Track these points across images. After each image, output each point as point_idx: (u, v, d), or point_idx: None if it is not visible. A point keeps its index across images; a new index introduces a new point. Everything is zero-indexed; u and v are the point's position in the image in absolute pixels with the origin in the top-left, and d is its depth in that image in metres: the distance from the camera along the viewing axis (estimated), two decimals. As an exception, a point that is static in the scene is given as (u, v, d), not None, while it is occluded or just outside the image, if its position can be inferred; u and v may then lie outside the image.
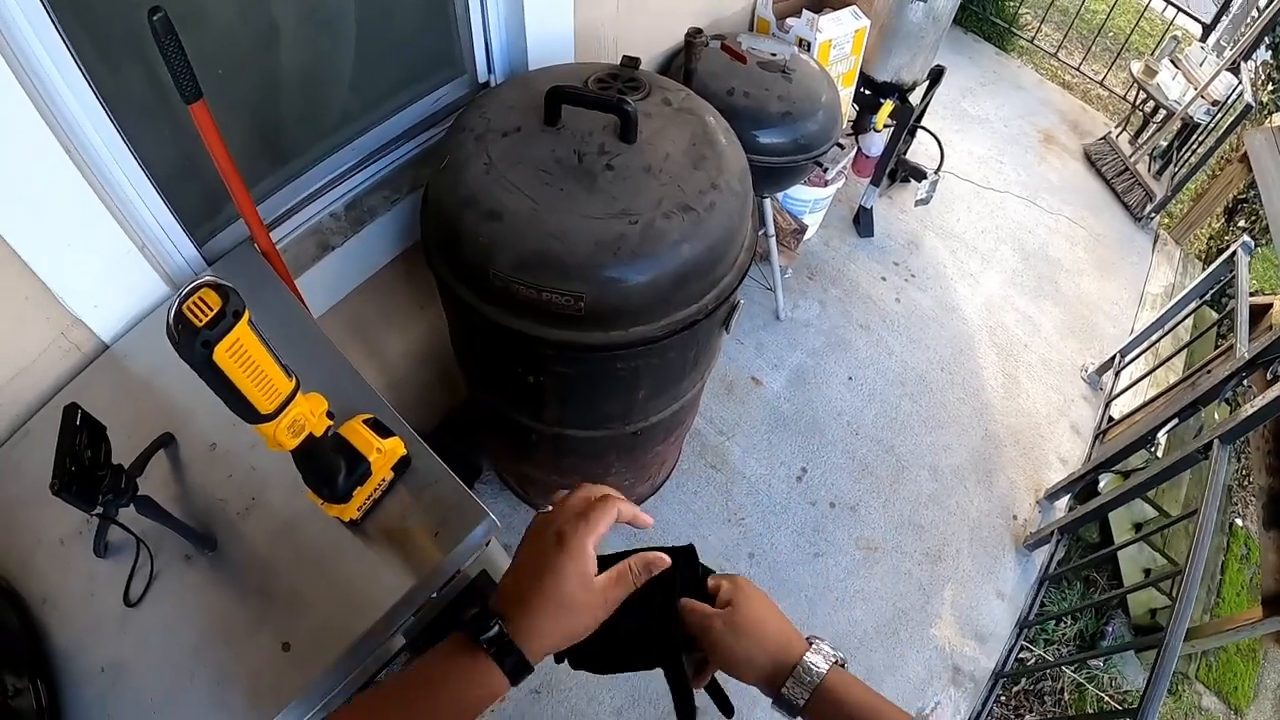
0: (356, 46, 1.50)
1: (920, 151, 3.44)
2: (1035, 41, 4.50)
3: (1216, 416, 2.78)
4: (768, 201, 2.43)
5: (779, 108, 1.95)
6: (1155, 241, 3.64)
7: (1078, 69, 4.38)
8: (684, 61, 1.81)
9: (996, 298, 3.18)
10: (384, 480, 1.02)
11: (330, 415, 0.88)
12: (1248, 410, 1.80)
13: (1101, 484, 2.62)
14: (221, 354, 0.68)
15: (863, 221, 3.21)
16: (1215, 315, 3.10)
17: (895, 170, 3.30)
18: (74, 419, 0.93)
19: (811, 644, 0.70)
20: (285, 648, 0.97)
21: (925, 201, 3.12)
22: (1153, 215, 3.65)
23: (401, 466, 1.04)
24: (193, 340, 0.66)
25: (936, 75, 2.78)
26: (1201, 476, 2.59)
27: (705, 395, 2.61)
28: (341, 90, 1.54)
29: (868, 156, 3.00)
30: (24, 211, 1.05)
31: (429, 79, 1.68)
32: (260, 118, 1.44)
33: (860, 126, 2.80)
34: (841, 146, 2.26)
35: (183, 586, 1.04)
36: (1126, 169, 3.79)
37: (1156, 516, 2.56)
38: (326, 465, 0.93)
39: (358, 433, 1.00)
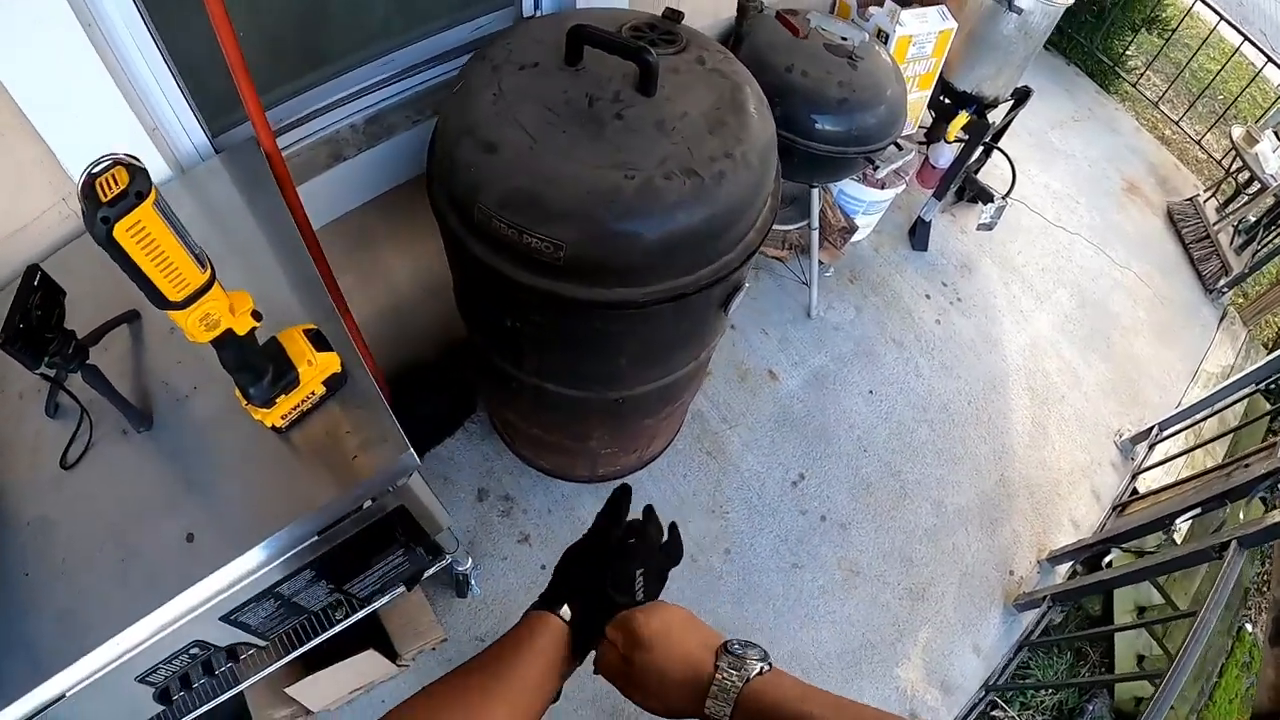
0: (405, -41, 1.47)
1: (993, 174, 3.28)
2: (1138, 87, 4.26)
3: (1242, 515, 2.61)
4: (816, 192, 2.33)
5: (838, 93, 1.86)
6: (1222, 318, 3.43)
7: (1177, 123, 4.15)
8: (735, 26, 1.73)
9: (1043, 340, 3.02)
10: (314, 394, 0.99)
11: (257, 316, 0.85)
12: (1276, 517, 1.68)
13: (1111, 557, 2.48)
14: (121, 233, 0.69)
15: (918, 234, 3.07)
16: (1268, 406, 2.92)
17: (963, 188, 3.16)
18: (33, 279, 0.95)
19: (719, 662, 0.68)
20: (189, 539, 0.96)
21: (989, 227, 2.98)
22: (1225, 290, 3.44)
23: (335, 384, 1.02)
24: (93, 214, 0.68)
25: (1022, 96, 2.65)
26: (1215, 575, 2.45)
27: (716, 380, 2.55)
28: (383, 1, 1.51)
29: (934, 167, 2.88)
30: (37, 79, 1.05)
31: (474, 6, 1.63)
32: (291, 15, 1.41)
33: (932, 135, 2.68)
34: (899, 147, 2.15)
35: (114, 459, 1.04)
36: (1207, 236, 3.58)
37: (1162, 605, 2.41)
38: (251, 367, 0.91)
39: (295, 341, 0.97)
